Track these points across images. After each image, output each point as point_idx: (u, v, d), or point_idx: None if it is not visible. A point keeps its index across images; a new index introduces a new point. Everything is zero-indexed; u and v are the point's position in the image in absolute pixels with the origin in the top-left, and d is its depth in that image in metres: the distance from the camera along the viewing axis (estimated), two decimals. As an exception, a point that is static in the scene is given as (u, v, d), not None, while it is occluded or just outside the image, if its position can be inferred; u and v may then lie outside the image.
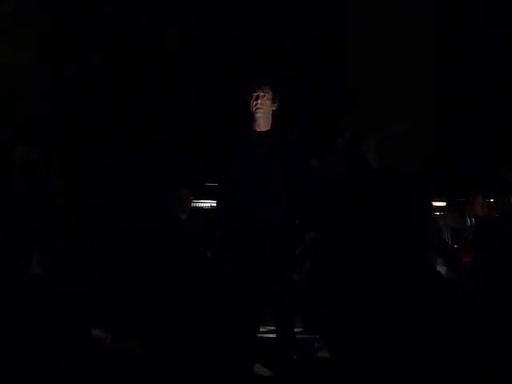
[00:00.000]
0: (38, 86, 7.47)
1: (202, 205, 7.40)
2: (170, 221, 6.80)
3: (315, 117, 7.42)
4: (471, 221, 6.95)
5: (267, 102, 5.34)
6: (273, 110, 5.40)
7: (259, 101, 5.32)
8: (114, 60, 7.91)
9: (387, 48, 8.57)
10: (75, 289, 5.18)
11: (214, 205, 5.98)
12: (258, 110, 5.33)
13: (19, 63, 7.34)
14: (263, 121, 5.38)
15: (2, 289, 4.47)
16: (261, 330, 6.01)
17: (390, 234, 2.43)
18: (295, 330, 5.64)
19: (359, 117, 6.79)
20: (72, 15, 7.70)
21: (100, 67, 7.81)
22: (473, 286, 5.53)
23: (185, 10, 8.51)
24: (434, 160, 8.41)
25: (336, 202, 6.04)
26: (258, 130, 5.40)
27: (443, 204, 7.26)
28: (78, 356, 4.41)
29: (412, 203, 2.45)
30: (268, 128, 5.41)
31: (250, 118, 5.38)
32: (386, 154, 6.55)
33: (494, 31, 8.52)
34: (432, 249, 2.43)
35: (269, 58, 8.48)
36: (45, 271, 4.83)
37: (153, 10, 8.20)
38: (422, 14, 8.76)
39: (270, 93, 5.35)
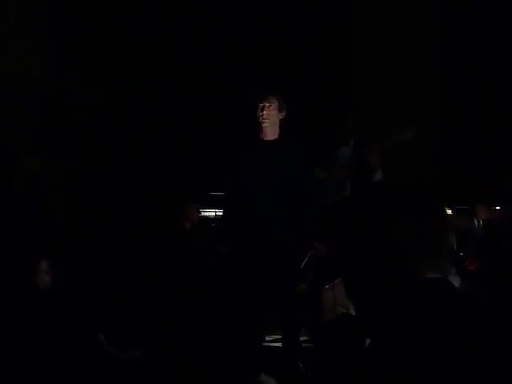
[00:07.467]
0: (41, 96, 7.46)
1: (207, 214, 7.40)
2: (173, 230, 6.82)
3: (319, 125, 7.40)
4: (479, 222, 6.95)
5: (273, 111, 5.32)
6: (280, 119, 5.38)
7: (265, 112, 5.29)
8: (116, 69, 7.90)
9: (389, 54, 8.56)
10: (81, 300, 5.18)
11: (220, 214, 5.99)
12: (264, 121, 5.30)
13: (21, 74, 7.33)
14: (270, 130, 5.35)
15: (12, 301, 4.46)
16: (267, 338, 6.00)
17: (394, 243, 2.39)
18: (301, 338, 5.63)
19: (363, 123, 6.78)
20: (73, 27, 7.69)
21: (102, 77, 7.79)
22: (482, 293, 5.53)
23: (185, 13, 8.51)
24: (436, 166, 8.39)
25: (340, 210, 6.03)
26: (265, 139, 5.38)
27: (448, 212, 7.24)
28: (90, 369, 4.41)
29: (419, 209, 2.40)
30: (275, 137, 5.38)
31: (257, 126, 5.36)
32: (390, 159, 6.55)
33: (494, 32, 8.51)
34: (445, 257, 2.40)
35: (273, 67, 8.47)
36: (52, 282, 4.83)
37: (156, 21, 8.18)
38: (423, 23, 8.75)
39: (277, 102, 5.33)
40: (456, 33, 8.63)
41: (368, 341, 2.54)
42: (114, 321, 5.45)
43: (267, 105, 5.30)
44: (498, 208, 6.87)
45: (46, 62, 7.58)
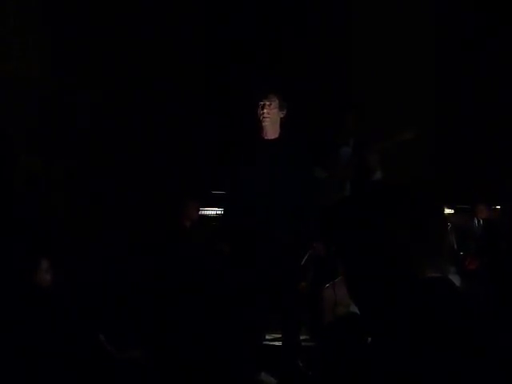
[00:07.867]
0: (41, 96, 7.45)
1: (208, 212, 7.39)
2: (173, 229, 6.81)
3: (319, 125, 7.40)
4: (479, 222, 6.97)
5: (274, 110, 5.32)
6: (281, 118, 5.39)
7: (265, 110, 5.29)
8: (116, 69, 7.89)
9: (389, 54, 8.55)
10: (81, 300, 5.17)
11: (220, 212, 6.00)
12: (264, 120, 5.32)
13: (21, 74, 7.33)
14: (271, 129, 5.36)
15: (12, 301, 4.46)
16: (267, 337, 6.00)
17: (394, 243, 2.37)
18: (301, 337, 5.63)
19: (363, 123, 6.78)
20: (73, 27, 7.68)
21: (102, 77, 7.78)
22: (482, 293, 5.53)
23: (185, 13, 8.49)
24: (436, 166, 8.39)
25: (340, 210, 6.02)
26: (265, 137, 5.39)
27: (449, 211, 7.25)
28: (90, 369, 4.40)
29: (419, 209, 2.38)
30: (276, 136, 5.40)
31: (258, 125, 5.37)
32: (390, 159, 6.55)
33: (494, 32, 8.50)
34: (445, 257, 2.39)
35: (273, 67, 8.47)
36: (52, 282, 4.82)
37: (156, 21, 8.17)
38: (423, 23, 8.75)
39: (277, 101, 5.33)
40: (456, 33, 8.63)
41: (368, 340, 2.53)
42: (114, 321, 5.45)
43: (268, 103, 5.31)
44: (497, 208, 6.88)
45: (46, 62, 7.58)
